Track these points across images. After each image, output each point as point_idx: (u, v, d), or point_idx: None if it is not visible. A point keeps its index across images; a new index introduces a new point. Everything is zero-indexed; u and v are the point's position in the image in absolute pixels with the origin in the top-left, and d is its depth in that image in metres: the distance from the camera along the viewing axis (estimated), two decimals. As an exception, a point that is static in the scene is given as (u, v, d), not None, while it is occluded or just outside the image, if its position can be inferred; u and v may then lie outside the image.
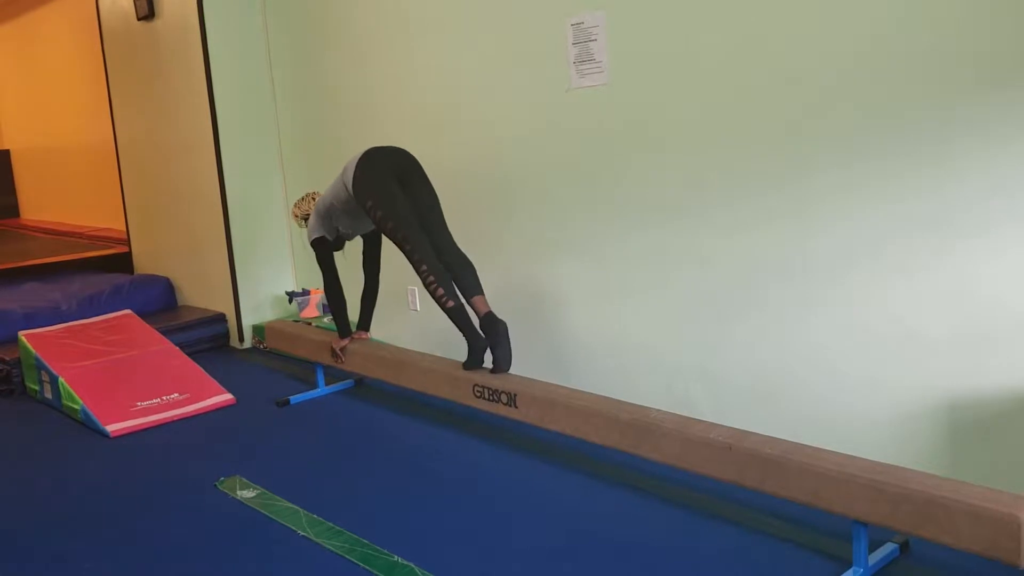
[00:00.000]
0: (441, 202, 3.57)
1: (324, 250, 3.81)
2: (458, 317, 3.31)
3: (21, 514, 3.10)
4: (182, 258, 5.67)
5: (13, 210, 10.08)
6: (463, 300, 3.37)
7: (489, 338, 3.29)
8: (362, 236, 3.90)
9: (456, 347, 3.64)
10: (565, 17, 3.46)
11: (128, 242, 6.32)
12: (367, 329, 4.00)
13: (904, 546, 2.43)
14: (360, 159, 3.52)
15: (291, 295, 5.10)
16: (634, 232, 3.40)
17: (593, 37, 3.38)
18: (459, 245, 3.51)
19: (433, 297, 3.31)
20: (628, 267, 3.45)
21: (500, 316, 3.35)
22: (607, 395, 3.04)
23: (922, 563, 2.38)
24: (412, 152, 3.61)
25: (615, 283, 3.51)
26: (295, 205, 4.06)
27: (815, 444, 2.47)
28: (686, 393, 3.31)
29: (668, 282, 3.32)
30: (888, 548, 2.40)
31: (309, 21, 4.82)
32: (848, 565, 2.34)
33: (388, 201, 3.41)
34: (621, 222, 3.44)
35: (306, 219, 3.95)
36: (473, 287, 3.40)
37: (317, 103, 4.92)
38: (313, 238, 3.80)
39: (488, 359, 3.37)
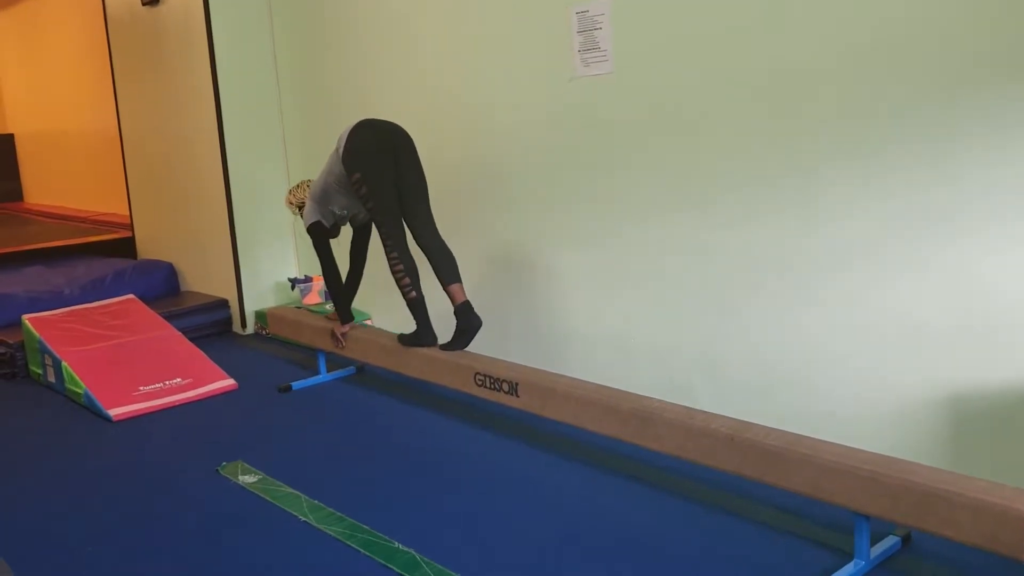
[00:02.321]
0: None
1: (321, 236, 3.78)
2: (417, 309, 3.47)
3: (23, 497, 3.11)
4: (185, 244, 5.67)
5: (16, 194, 10.07)
6: (442, 287, 3.46)
7: (459, 326, 3.41)
8: (352, 226, 3.90)
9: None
10: (570, 6, 3.44)
11: (131, 227, 6.32)
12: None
13: (906, 539, 2.42)
14: (353, 129, 3.52)
15: (293, 282, 5.10)
16: (637, 222, 3.38)
17: (598, 25, 3.36)
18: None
19: (398, 285, 3.45)
20: (630, 257, 3.44)
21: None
22: (608, 385, 3.03)
23: (924, 556, 2.38)
24: (416, 141, 3.59)
25: (617, 273, 3.50)
26: (290, 193, 4.08)
27: (817, 436, 2.46)
28: (687, 384, 3.30)
29: (671, 273, 3.31)
30: (890, 541, 2.40)
31: (313, 6, 4.80)
32: (849, 557, 2.34)
33: (375, 179, 3.42)
34: (624, 212, 3.42)
35: (300, 207, 3.95)
36: (451, 275, 3.43)
37: (320, 88, 4.90)
38: (309, 223, 3.78)
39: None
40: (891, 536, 2.42)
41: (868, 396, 2.80)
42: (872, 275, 2.73)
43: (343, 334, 3.90)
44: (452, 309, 3.44)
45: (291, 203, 4.05)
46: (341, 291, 3.88)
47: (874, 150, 2.66)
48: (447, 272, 3.43)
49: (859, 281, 2.77)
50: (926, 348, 2.65)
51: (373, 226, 3.74)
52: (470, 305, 3.41)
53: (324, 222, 3.75)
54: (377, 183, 3.42)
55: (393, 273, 3.44)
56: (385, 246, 3.44)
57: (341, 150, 3.51)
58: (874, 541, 2.36)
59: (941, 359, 2.62)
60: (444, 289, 3.44)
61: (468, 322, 3.39)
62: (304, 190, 3.97)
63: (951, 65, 2.47)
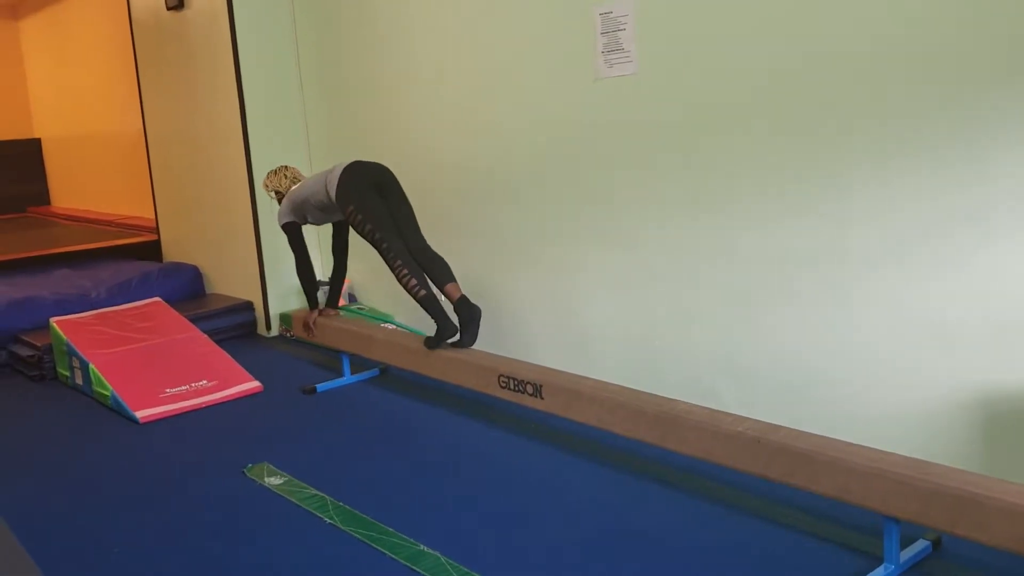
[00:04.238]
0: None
1: (295, 233, 4.09)
2: (430, 305, 3.59)
3: (52, 498, 3.14)
4: (210, 246, 5.71)
5: (44, 198, 10.20)
6: (437, 290, 3.64)
7: (461, 319, 3.56)
8: (332, 224, 4.15)
9: (480, 336, 3.66)
10: (593, 7, 3.44)
11: (157, 230, 6.38)
12: (336, 306, 4.32)
13: (936, 543, 2.40)
14: (344, 171, 3.78)
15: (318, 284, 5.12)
16: (663, 223, 3.37)
17: (622, 26, 3.35)
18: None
19: (406, 288, 3.60)
20: (655, 258, 3.42)
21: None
22: (634, 387, 3.02)
23: (955, 560, 2.35)
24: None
25: (643, 274, 3.49)
26: (267, 176, 4.28)
27: (845, 439, 2.44)
28: (714, 386, 3.28)
29: (697, 273, 3.29)
30: (920, 545, 2.37)
31: (336, 9, 4.82)
32: (879, 561, 2.31)
33: (367, 207, 3.69)
34: (650, 213, 3.41)
35: (276, 193, 4.21)
36: (445, 277, 3.67)
37: (343, 91, 4.92)
38: (284, 222, 4.08)
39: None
40: (921, 540, 2.39)
41: (898, 398, 2.77)
42: (903, 276, 2.70)
43: (314, 321, 4.24)
44: (453, 308, 3.56)
45: (267, 187, 4.27)
46: (315, 282, 4.21)
47: (905, 150, 2.63)
48: (441, 274, 3.66)
49: (889, 282, 2.74)
50: (958, 350, 2.61)
51: (349, 225, 3.92)
52: (467, 298, 3.58)
53: (298, 221, 4.07)
54: (369, 210, 3.68)
55: (400, 279, 3.60)
56: (387, 259, 3.64)
57: (332, 189, 3.76)
58: (904, 545, 2.33)
59: (973, 361, 2.58)
60: (441, 291, 3.64)
61: (469, 313, 3.55)
62: (282, 177, 4.21)
63: (984, 62, 2.44)
